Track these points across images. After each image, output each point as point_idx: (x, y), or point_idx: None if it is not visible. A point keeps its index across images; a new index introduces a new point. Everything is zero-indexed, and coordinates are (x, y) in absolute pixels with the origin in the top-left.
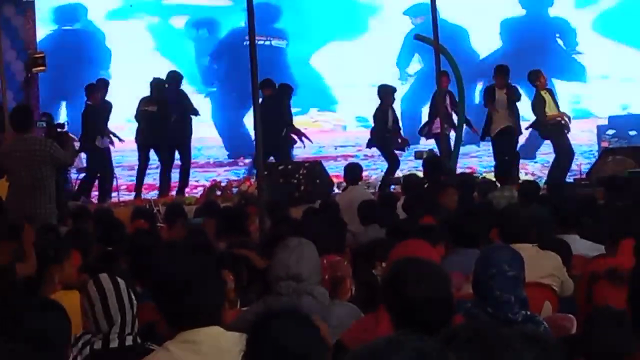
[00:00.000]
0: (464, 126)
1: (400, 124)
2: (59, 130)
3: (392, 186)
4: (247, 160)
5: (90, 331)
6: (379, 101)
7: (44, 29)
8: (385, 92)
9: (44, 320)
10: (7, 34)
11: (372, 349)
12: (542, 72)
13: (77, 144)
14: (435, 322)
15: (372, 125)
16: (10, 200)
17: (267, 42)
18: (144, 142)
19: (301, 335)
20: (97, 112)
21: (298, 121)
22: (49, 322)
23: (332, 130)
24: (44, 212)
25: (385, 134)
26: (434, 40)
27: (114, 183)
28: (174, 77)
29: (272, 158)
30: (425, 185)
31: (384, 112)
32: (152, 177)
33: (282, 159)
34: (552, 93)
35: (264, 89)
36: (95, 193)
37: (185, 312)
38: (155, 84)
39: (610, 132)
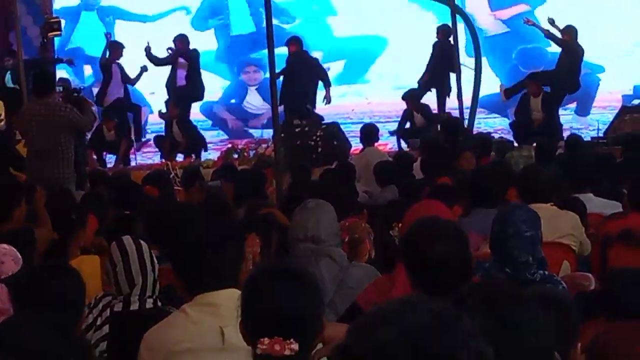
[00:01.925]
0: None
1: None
2: (75, 95)
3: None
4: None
5: (111, 293)
6: None
7: None
8: None
9: (62, 285)
10: (24, 0)
11: (385, 310)
12: None
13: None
14: (454, 282)
15: None
16: (28, 165)
17: None
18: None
19: (291, 294)
20: None
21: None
22: (67, 286)
23: None
24: (62, 177)
25: None
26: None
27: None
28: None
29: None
30: (443, 147)
31: None
32: None
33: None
34: None
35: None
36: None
37: (203, 274)
38: None
39: (636, 101)
